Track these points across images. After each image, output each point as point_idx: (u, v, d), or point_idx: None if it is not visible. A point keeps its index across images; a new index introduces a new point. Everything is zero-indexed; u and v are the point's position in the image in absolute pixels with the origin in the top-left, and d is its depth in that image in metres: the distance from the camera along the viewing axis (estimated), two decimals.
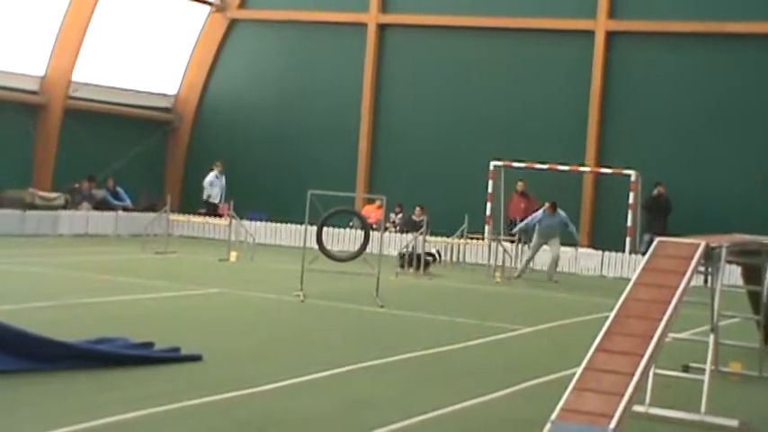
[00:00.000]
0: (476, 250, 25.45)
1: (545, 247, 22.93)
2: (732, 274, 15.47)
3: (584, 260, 25.47)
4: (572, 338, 13.13)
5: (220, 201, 28.07)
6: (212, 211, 27.90)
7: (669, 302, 8.25)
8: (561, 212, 22.72)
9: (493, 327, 14.45)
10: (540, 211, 22.85)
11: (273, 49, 30.88)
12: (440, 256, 24.34)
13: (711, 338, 9.72)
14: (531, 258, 23.03)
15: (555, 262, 22.53)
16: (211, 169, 28.36)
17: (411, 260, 22.42)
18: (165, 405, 8.39)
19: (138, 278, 17.64)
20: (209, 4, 30.58)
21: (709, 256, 9.70)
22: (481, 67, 28.38)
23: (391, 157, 29.22)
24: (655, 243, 9.37)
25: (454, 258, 25.13)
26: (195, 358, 10.43)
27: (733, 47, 25.90)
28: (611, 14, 26.87)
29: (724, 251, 9.92)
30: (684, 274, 8.69)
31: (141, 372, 9.71)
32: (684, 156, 26.13)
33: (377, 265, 16.62)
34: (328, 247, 18.43)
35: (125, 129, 29.63)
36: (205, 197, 28.31)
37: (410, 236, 23.96)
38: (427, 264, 22.60)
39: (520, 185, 26.34)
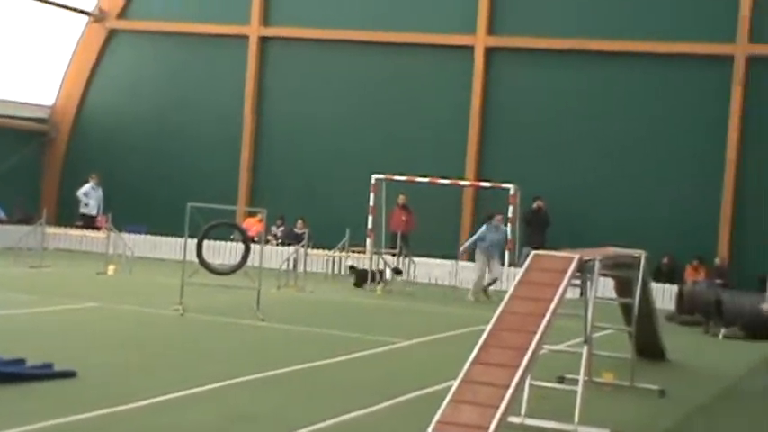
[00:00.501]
0: (357, 263, 25.49)
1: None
2: (606, 287, 15.86)
3: (464, 273, 25.73)
4: (450, 351, 13.25)
5: (98, 213, 27.55)
6: (89, 223, 27.35)
7: (544, 315, 8.41)
8: (502, 226, 22.44)
9: (372, 340, 14.50)
10: (484, 227, 22.11)
11: (153, 61, 30.48)
12: (399, 272, 23.57)
13: (585, 350, 9.93)
14: (482, 278, 22.02)
15: (493, 281, 21.87)
16: (86, 181, 27.81)
17: (372, 276, 22.30)
18: (36, 423, 8.18)
19: (11, 292, 17.17)
20: (88, 14, 30.03)
21: (583, 269, 9.92)
22: (362, 80, 28.52)
23: (273, 169, 29.11)
24: (530, 257, 9.55)
25: (336, 271, 25.13)
26: (69, 374, 10.20)
27: (607, 64, 26.56)
28: (491, 30, 27.28)
29: (597, 264, 10.16)
30: (559, 286, 8.87)
31: (12, 389, 9.44)
32: (562, 170, 26.66)
33: (257, 278, 16.52)
34: (208, 261, 18.24)
35: None
36: (81, 209, 27.73)
37: (292, 249, 23.88)
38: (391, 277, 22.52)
39: (401, 199, 26.51)
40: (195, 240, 17.30)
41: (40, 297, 16.74)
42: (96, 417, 8.63)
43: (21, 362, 10.26)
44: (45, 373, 10.10)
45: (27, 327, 13.79)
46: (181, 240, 18.76)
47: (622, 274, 12.32)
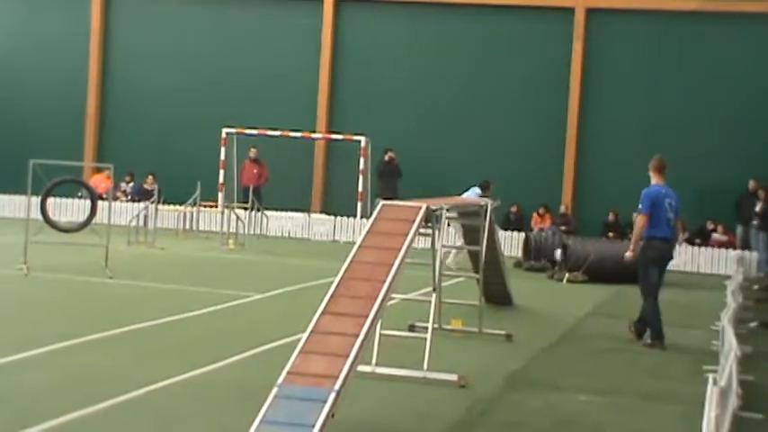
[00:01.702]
0: (210, 218, 25.29)
1: None
2: (455, 235, 16.15)
3: (316, 226, 25.83)
4: (302, 303, 13.28)
5: None
6: None
7: (392, 264, 8.49)
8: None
9: (225, 294, 14.42)
10: (471, 191, 19.24)
11: None
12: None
13: (434, 298, 10.11)
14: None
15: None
16: None
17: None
18: None
19: None
20: None
21: (431, 218, 10.07)
22: (213, 32, 28.10)
23: (121, 124, 28.49)
24: (379, 206, 9.62)
25: (187, 227, 24.86)
26: None
27: (450, 13, 26.82)
28: None
29: (444, 213, 10.33)
30: (407, 236, 8.97)
31: None
32: (411, 121, 26.89)
33: (106, 235, 16.20)
34: (54, 219, 17.78)
35: None
36: None
37: (142, 205, 23.49)
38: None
39: (253, 152, 26.31)
40: (39, 198, 16.83)
41: None
42: None
43: None
44: None
45: None
46: (24, 198, 18.21)
47: (470, 222, 12.55)
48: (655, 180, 12.43)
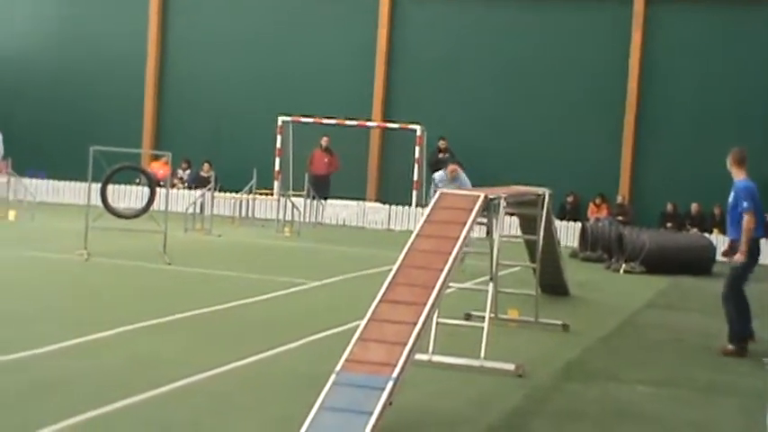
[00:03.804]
0: (265, 205, 25.44)
1: None
2: (512, 225, 16.10)
3: (371, 214, 25.86)
4: (358, 291, 13.32)
5: None
6: None
7: (450, 253, 8.48)
8: (463, 175, 18.69)
9: (282, 281, 14.50)
10: (440, 173, 19.00)
11: (54, 1, 29.69)
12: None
13: (490, 287, 10.08)
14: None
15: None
16: None
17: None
18: None
19: None
20: None
21: (489, 208, 10.04)
22: (269, 20, 28.20)
23: (178, 112, 28.73)
24: (437, 195, 9.61)
25: (243, 214, 25.02)
26: None
27: (510, 2, 26.68)
28: None
29: (502, 202, 10.29)
30: (464, 224, 8.95)
31: None
32: (467, 110, 26.80)
33: (164, 222, 16.35)
34: (114, 205, 17.99)
35: None
36: None
37: (198, 192, 23.67)
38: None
39: (324, 141, 26.37)
40: (99, 184, 17.03)
41: None
42: (2, 362, 8.51)
43: None
44: None
45: None
46: (84, 185, 18.45)
47: (527, 211, 12.49)
48: (740, 174, 11.26)
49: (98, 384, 8.06)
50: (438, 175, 18.99)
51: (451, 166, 18.76)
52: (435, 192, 15.88)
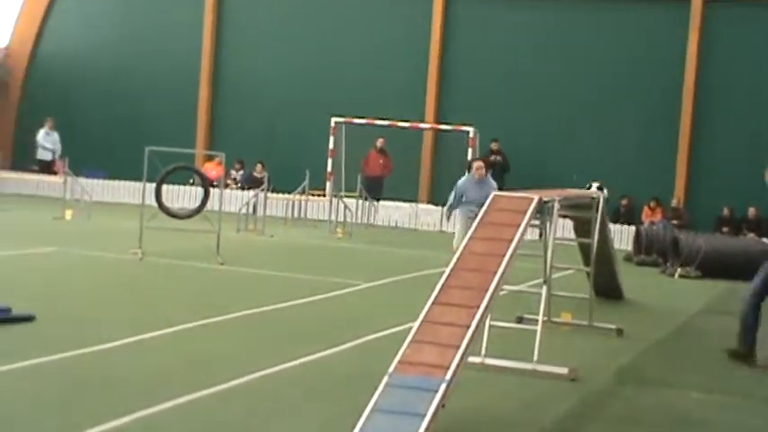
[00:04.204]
0: (317, 206, 25.51)
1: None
2: (565, 228, 15.98)
3: (423, 216, 25.83)
4: (411, 293, 13.30)
5: (53, 158, 27.26)
6: (45, 168, 27.09)
7: (504, 255, 8.43)
8: (490, 178, 15.52)
9: (334, 282, 14.52)
10: (463, 179, 15.45)
11: (110, 2, 30.01)
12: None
13: (544, 290, 10.02)
14: None
15: None
16: (41, 126, 27.49)
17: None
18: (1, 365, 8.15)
19: None
20: None
21: (543, 210, 9.97)
22: (321, 23, 28.28)
23: (232, 113, 28.91)
24: (490, 197, 9.56)
25: (295, 215, 25.10)
26: (27, 319, 10.14)
27: (565, 6, 26.51)
28: None
29: (556, 205, 10.21)
30: (518, 227, 8.90)
31: None
32: (520, 113, 26.69)
33: (217, 222, 16.46)
34: (168, 205, 18.13)
35: None
36: (38, 155, 27.48)
37: (251, 193, 23.79)
38: None
39: (380, 142, 26.42)
40: (154, 184, 17.18)
41: None
42: (57, 360, 8.60)
43: None
44: (3, 318, 10.03)
45: None
46: (139, 184, 18.63)
47: (581, 214, 12.40)
48: None
49: (153, 383, 8.11)
50: (461, 182, 15.43)
51: (478, 163, 15.30)
52: (455, 197, 14.75)
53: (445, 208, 16.14)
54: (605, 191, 10.71)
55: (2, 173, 24.07)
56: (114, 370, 8.46)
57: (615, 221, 23.81)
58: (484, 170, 15.10)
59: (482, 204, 11.85)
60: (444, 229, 25.21)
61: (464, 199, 15.04)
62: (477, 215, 11.90)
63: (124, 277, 14.16)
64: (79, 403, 7.38)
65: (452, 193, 15.39)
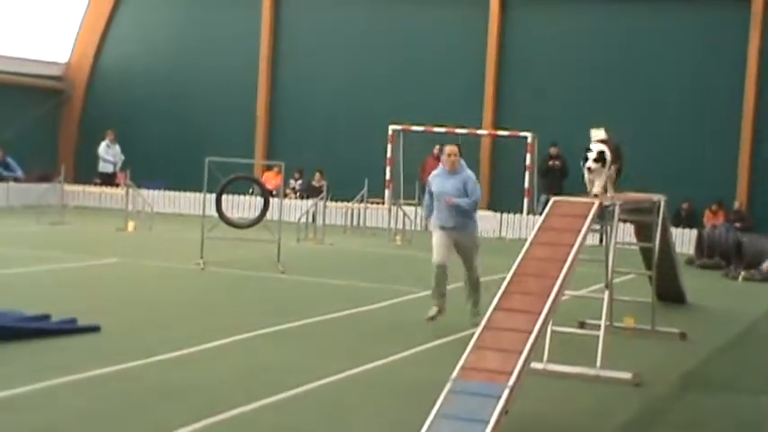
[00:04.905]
0: (376, 214, 25.54)
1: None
2: (626, 233, 15.85)
3: (482, 222, 25.69)
4: None
5: (115, 170, 27.62)
6: (107, 180, 27.46)
7: (565, 260, 8.40)
8: (466, 169, 12.26)
9: (394, 290, 14.54)
10: (438, 170, 12.34)
11: (168, 15, 30.34)
12: None
13: (606, 295, 9.95)
14: (443, 269, 12.07)
15: (473, 284, 12.37)
16: (103, 139, 27.88)
17: None
18: (63, 377, 8.28)
19: (33, 249, 17.29)
20: None
21: (603, 215, 9.91)
22: (377, 32, 28.36)
23: (290, 123, 29.07)
24: (550, 203, 9.54)
25: (354, 223, 25.16)
26: (93, 329, 10.30)
27: (622, 8, 26.31)
28: None
29: (617, 209, 10.15)
30: (579, 232, 8.86)
31: (37, 344, 9.55)
32: (579, 117, 26.48)
33: (277, 231, 16.56)
34: (228, 215, 18.29)
35: (13, 98, 28.86)
36: (99, 167, 27.87)
37: (310, 202, 23.91)
38: None
39: (437, 149, 26.36)
40: (214, 195, 17.34)
41: (62, 254, 16.84)
42: (121, 370, 8.72)
43: (45, 317, 10.37)
44: (70, 328, 10.20)
45: (49, 283, 13.90)
46: (199, 195, 18.81)
47: (642, 218, 12.30)
48: None
49: (217, 391, 8.19)
50: (432, 174, 12.47)
51: (449, 148, 12.20)
52: (426, 192, 12.12)
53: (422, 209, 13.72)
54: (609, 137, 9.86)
55: (65, 186, 24.41)
56: (178, 379, 8.55)
57: (676, 225, 23.53)
58: (456, 157, 12.01)
59: (454, 213, 11.70)
60: (503, 235, 25.13)
61: (434, 194, 12.05)
62: (449, 225, 11.74)
63: (187, 287, 14.31)
64: (142, 413, 7.47)
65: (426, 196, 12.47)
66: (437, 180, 12.06)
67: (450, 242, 12.02)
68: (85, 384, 8.19)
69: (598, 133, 11.23)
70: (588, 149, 10.54)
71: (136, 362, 8.98)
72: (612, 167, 10.66)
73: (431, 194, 12.14)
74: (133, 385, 8.28)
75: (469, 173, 12.13)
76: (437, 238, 12.03)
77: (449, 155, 12.03)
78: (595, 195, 10.04)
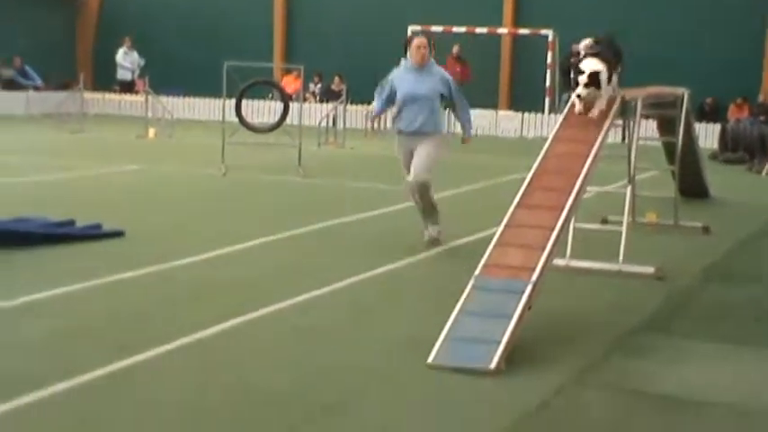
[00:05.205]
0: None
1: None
2: (648, 129, 15.73)
3: (504, 123, 25.63)
4: (493, 198, 13.26)
5: (134, 77, 27.53)
6: (126, 87, 27.40)
7: (587, 156, 8.35)
8: (436, 65, 10.91)
9: None
10: (402, 66, 10.78)
11: None
12: None
13: (628, 190, 9.91)
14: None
15: (421, 188, 10.39)
16: (120, 45, 27.73)
17: None
18: (89, 281, 8.36)
19: (53, 158, 17.35)
20: None
21: (625, 110, 9.82)
22: None
23: (308, 26, 28.81)
24: (572, 99, 9.42)
25: (374, 126, 25.05)
26: (117, 234, 10.37)
27: None
28: None
29: (639, 103, 10.04)
30: (601, 128, 8.78)
31: (63, 249, 9.64)
32: (601, 12, 26.13)
33: (298, 135, 16.52)
34: (248, 120, 18.24)
35: (30, 6, 28.68)
36: (118, 75, 27.78)
37: (330, 105, 23.80)
38: None
39: (455, 49, 26.11)
40: (234, 100, 17.27)
41: (83, 161, 16.90)
42: (149, 273, 8.80)
43: (70, 223, 10.44)
44: (94, 234, 10.27)
45: (72, 190, 13.98)
46: (219, 101, 18.75)
47: (665, 112, 12.18)
48: None
49: (241, 293, 8.26)
50: (395, 71, 10.88)
51: (418, 41, 10.64)
52: (384, 90, 10.57)
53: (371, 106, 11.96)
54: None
55: (84, 93, 24.37)
56: (203, 282, 8.63)
57: (700, 120, 23.35)
58: (427, 50, 10.51)
59: (419, 102, 10.11)
60: (525, 134, 25.01)
61: (398, 96, 10.43)
62: (411, 129, 10.07)
63: (209, 192, 14.36)
64: (169, 315, 7.55)
65: (378, 87, 10.77)
66: (406, 79, 10.40)
67: (412, 153, 10.33)
68: (111, 288, 8.28)
69: (585, 44, 9.62)
70: (578, 70, 8.86)
71: (160, 265, 9.05)
72: (614, 77, 9.13)
73: (391, 93, 10.44)
74: (158, 288, 8.36)
75: (442, 71, 10.81)
76: (399, 150, 10.55)
77: (418, 47, 10.41)
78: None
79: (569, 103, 9.29)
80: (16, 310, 7.47)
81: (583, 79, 8.68)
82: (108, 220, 10.74)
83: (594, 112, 8.80)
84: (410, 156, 10.36)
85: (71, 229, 10.29)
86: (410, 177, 10.28)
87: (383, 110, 10.96)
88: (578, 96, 8.79)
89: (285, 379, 6.14)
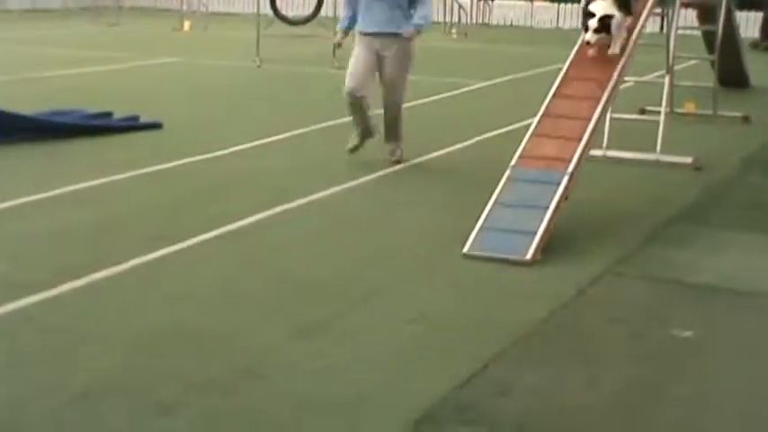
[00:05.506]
0: (432, 8, 25.09)
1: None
2: (687, 18, 15.46)
3: (539, 13, 25.26)
4: (529, 90, 13.11)
5: None
6: None
7: (626, 45, 8.22)
8: None
9: (450, 83, 14.44)
10: None
11: None
12: None
13: (666, 80, 9.79)
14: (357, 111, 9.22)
15: (393, 114, 9.40)
16: None
17: None
18: (128, 172, 8.44)
19: (91, 50, 17.35)
20: None
21: None
22: None
23: None
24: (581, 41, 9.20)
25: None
26: (156, 126, 10.42)
27: None
28: None
29: None
30: (639, 16, 8.62)
31: (101, 141, 9.71)
32: None
33: (332, 27, 16.39)
34: (283, 12, 18.11)
35: None
36: None
37: None
38: None
39: None
40: None
41: (120, 54, 16.89)
42: (184, 164, 8.86)
43: (108, 115, 10.50)
44: (132, 125, 10.34)
45: (110, 82, 14.00)
46: None
47: (705, 1, 11.95)
48: None
49: (278, 183, 8.31)
50: None
51: None
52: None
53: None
54: None
55: None
56: (240, 173, 8.68)
57: (741, 8, 22.85)
58: None
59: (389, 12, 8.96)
60: (561, 25, 24.67)
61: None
62: (373, 30, 8.95)
63: (245, 84, 14.34)
64: (203, 206, 7.61)
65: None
66: None
67: (373, 59, 9.12)
68: (149, 179, 8.35)
69: None
70: (587, 13, 7.82)
71: (198, 156, 9.10)
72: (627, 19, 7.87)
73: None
74: (196, 179, 8.43)
75: None
76: (357, 51, 9.21)
77: None
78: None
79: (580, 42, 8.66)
80: (54, 201, 7.57)
81: (593, 24, 7.68)
82: (145, 111, 10.79)
83: (615, 49, 7.82)
84: (369, 62, 9.12)
85: (109, 120, 10.35)
86: (350, 84, 9.06)
87: (353, 22, 9.44)
88: (587, 43, 7.80)
89: (326, 266, 6.22)
